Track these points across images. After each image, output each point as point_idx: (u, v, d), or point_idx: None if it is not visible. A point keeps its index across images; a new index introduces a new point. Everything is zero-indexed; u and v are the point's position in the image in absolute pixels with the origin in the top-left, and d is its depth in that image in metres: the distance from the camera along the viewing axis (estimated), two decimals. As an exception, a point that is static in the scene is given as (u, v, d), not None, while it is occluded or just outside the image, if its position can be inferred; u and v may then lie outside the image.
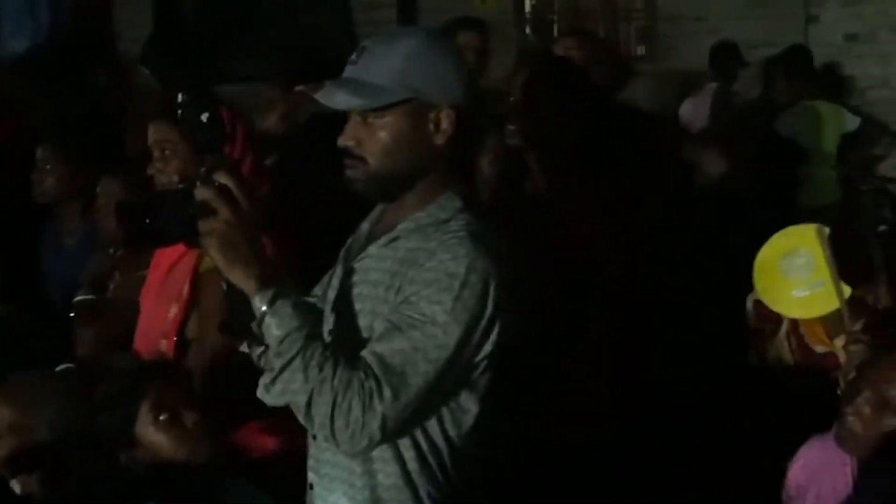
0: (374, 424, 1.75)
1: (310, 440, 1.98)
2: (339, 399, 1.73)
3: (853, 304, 2.63)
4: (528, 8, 8.27)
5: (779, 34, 7.30)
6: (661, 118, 4.96)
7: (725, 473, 2.78)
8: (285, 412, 1.83)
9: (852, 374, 2.07)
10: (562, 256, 2.59)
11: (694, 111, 6.35)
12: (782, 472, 2.32)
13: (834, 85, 7.03)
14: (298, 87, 1.90)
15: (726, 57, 6.71)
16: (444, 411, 1.87)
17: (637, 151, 3.14)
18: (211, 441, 2.14)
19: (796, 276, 2.67)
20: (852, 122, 5.86)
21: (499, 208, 2.88)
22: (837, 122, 5.83)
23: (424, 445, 1.87)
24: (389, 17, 7.51)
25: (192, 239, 1.77)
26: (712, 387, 2.94)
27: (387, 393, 1.74)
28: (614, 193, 2.79)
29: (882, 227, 5.41)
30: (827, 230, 2.58)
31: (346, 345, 1.83)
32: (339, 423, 1.74)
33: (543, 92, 2.80)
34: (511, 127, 2.83)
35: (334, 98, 1.84)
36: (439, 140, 1.87)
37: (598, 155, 2.81)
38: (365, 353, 1.79)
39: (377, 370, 1.76)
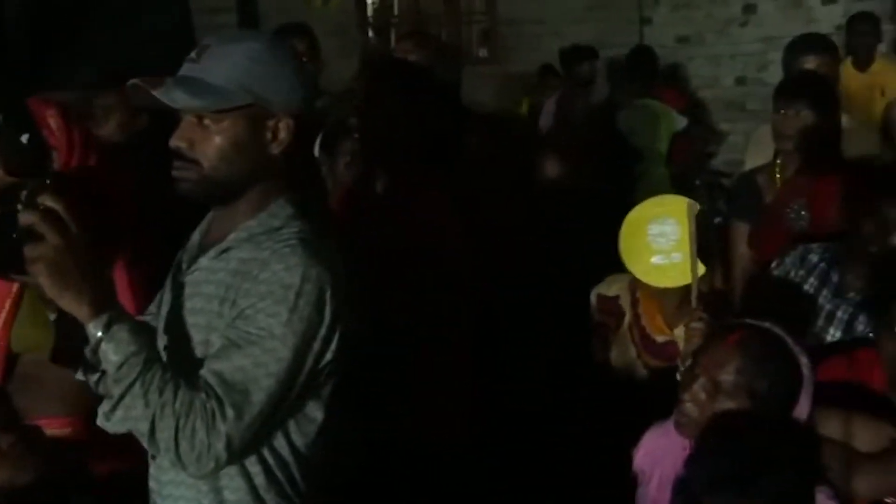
0: (220, 445, 1.70)
1: (150, 461, 1.92)
2: (182, 422, 1.68)
3: (702, 285, 2.72)
4: (370, 11, 8.28)
5: (615, 36, 7.55)
6: (505, 118, 5.04)
7: (578, 465, 2.84)
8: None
9: (688, 362, 2.15)
10: (412, 258, 2.59)
11: (546, 112, 6.49)
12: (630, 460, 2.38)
13: (669, 85, 7.30)
14: (133, 81, 1.81)
15: (574, 59, 6.88)
16: (290, 422, 1.84)
17: (482, 151, 3.18)
18: (34, 461, 2.04)
19: (658, 244, 2.72)
20: (680, 122, 6.10)
21: (352, 211, 2.87)
22: (668, 121, 6.05)
23: (271, 459, 1.84)
24: (230, 21, 7.38)
25: (11, 269, 1.65)
26: (560, 381, 3.00)
27: (230, 412, 1.70)
28: (461, 193, 2.81)
29: (717, 220, 5.65)
30: (697, 207, 2.64)
31: (184, 364, 1.77)
32: (183, 446, 1.69)
33: (385, 94, 2.81)
34: (357, 129, 2.83)
35: (172, 96, 1.76)
36: (275, 149, 1.83)
37: (443, 155, 2.82)
38: (204, 372, 1.74)
39: (218, 390, 1.71)
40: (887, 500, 2.20)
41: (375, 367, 2.41)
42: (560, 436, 2.89)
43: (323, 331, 1.79)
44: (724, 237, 3.63)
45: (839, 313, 2.74)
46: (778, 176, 3.50)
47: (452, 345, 2.66)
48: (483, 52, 8.24)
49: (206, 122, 1.79)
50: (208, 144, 1.80)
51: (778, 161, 3.52)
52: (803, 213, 3.30)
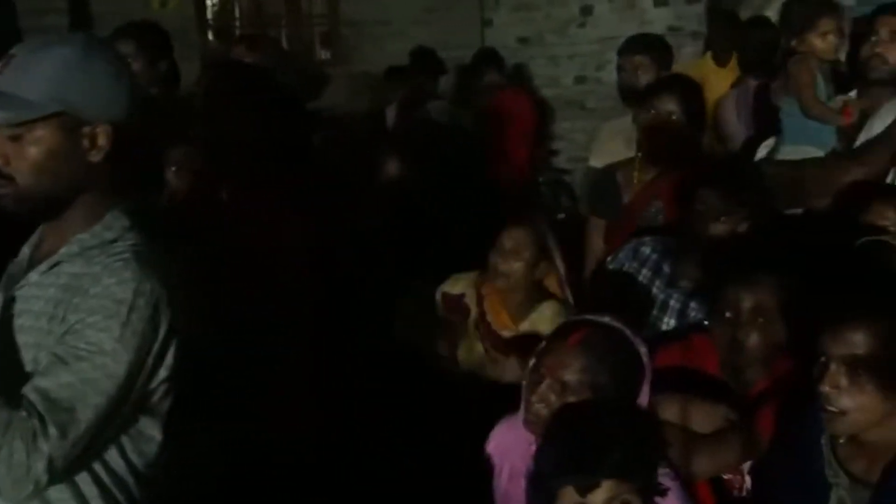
0: (40, 466, 1.62)
1: None
2: None
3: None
4: (210, 14, 8.11)
5: (457, 37, 7.62)
6: (351, 119, 5.03)
7: (430, 461, 2.86)
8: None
9: (532, 362, 2.19)
10: (251, 259, 2.55)
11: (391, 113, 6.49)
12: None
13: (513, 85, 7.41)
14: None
15: (420, 62, 6.91)
16: (125, 441, 1.78)
17: (326, 152, 3.16)
18: None
19: None
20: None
21: (190, 220, 2.80)
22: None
23: (107, 479, 1.76)
24: (60, 23, 7.06)
25: None
26: (408, 377, 3.02)
27: (52, 431, 1.62)
28: (305, 194, 2.78)
29: (561, 215, 5.78)
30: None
31: (12, 385, 1.68)
32: (0, 470, 1.61)
33: (225, 98, 2.76)
34: (197, 134, 2.77)
35: None
36: (95, 157, 1.76)
37: (284, 156, 2.79)
38: (27, 389, 1.66)
39: (41, 407, 1.63)
40: (726, 476, 2.31)
41: (223, 372, 2.37)
42: (411, 432, 2.89)
43: (157, 346, 1.73)
44: (569, 232, 3.70)
45: (672, 302, 2.85)
46: (636, 174, 3.47)
47: (297, 344, 2.63)
48: (326, 54, 8.19)
49: (18, 135, 1.71)
50: (22, 159, 1.72)
51: (638, 159, 3.48)
52: (660, 216, 3.36)
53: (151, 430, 1.80)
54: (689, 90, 3.44)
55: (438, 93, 6.89)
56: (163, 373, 1.76)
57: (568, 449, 1.88)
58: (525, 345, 2.80)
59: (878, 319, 1.84)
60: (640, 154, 3.44)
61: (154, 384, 1.77)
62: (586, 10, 8.02)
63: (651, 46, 4.12)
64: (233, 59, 3.29)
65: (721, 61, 5.58)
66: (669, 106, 3.31)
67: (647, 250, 2.96)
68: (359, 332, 2.95)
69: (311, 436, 2.65)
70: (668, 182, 3.31)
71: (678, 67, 5.68)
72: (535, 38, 8.09)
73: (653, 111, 3.34)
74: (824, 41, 3.36)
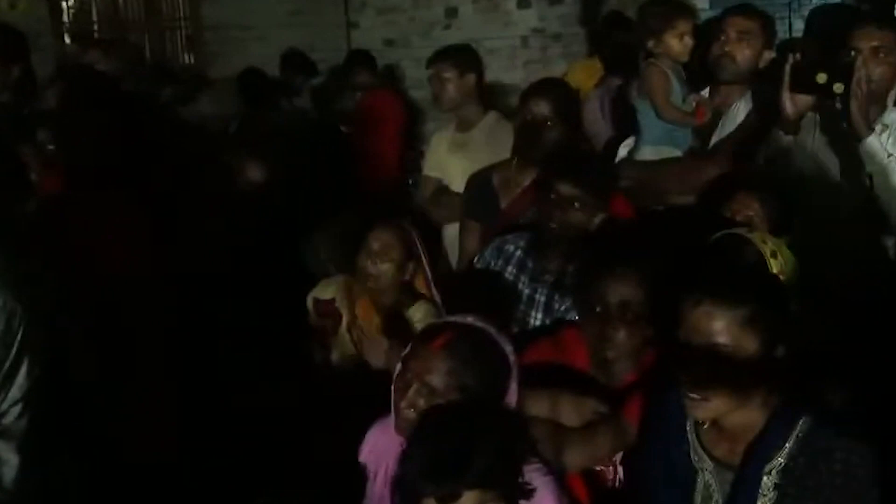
0: None
1: None
2: None
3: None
4: (66, 17, 7.84)
5: (322, 40, 7.58)
6: (209, 125, 4.93)
7: (306, 465, 2.83)
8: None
9: (399, 367, 2.19)
10: (100, 263, 2.48)
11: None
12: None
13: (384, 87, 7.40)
14: None
15: (288, 66, 6.84)
16: None
17: (185, 157, 3.10)
18: None
19: None
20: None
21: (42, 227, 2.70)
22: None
23: None
24: None
25: None
26: (281, 383, 2.98)
27: None
28: (160, 199, 2.72)
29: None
30: None
31: None
32: None
33: (76, 103, 2.68)
34: (47, 139, 2.68)
35: None
36: None
37: (136, 162, 2.72)
38: None
39: None
40: (598, 468, 2.36)
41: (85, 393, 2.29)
42: (284, 438, 2.86)
43: (7, 365, 1.66)
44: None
45: (537, 296, 2.90)
46: (513, 177, 3.49)
47: (153, 362, 2.57)
48: (189, 59, 8.02)
49: None
50: None
51: (514, 164, 3.51)
52: None
53: (5, 452, 1.73)
54: (562, 92, 3.51)
55: (308, 94, 6.84)
56: (15, 392, 1.69)
57: (430, 458, 1.88)
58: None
59: (736, 307, 1.90)
60: (515, 157, 3.47)
61: (5, 405, 1.69)
62: (451, 13, 8.08)
63: (458, 55, 4.15)
64: (85, 65, 3.19)
65: None
66: (543, 109, 3.36)
67: (511, 247, 3.01)
68: (223, 337, 2.89)
69: (176, 445, 2.60)
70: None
71: (571, 68, 5.83)
72: (401, 41, 8.10)
73: (528, 115, 3.38)
74: (681, 42, 3.46)
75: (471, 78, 4.04)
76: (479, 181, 3.62)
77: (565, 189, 2.84)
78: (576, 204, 2.83)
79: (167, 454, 2.58)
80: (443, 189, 4.09)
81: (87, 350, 2.29)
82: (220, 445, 2.80)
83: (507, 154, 3.59)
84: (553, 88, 3.52)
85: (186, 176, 2.96)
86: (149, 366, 2.56)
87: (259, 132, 5.30)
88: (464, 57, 4.13)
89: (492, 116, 4.08)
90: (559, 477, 2.17)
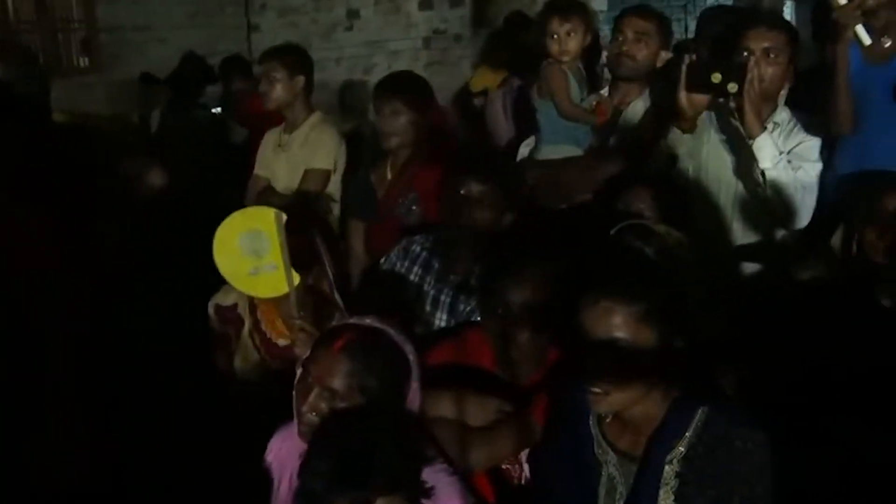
0: None
1: None
2: None
3: (306, 292, 2.76)
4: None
5: (222, 43, 7.47)
6: (106, 128, 4.82)
7: (212, 473, 2.78)
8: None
9: (300, 371, 2.16)
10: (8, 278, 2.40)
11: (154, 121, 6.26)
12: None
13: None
14: None
15: (188, 70, 6.70)
16: None
17: (80, 162, 3.01)
18: None
19: (251, 256, 2.69)
20: None
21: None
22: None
23: None
24: None
25: None
26: (184, 390, 2.92)
27: None
28: (53, 205, 2.64)
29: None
30: (284, 216, 2.64)
31: None
32: None
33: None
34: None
35: None
36: None
37: (27, 166, 2.64)
38: None
39: None
40: (504, 466, 2.37)
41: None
42: (188, 446, 2.80)
43: None
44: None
45: (443, 297, 2.91)
46: (388, 171, 3.64)
47: (62, 381, 2.50)
48: (84, 61, 7.81)
49: None
50: None
51: (389, 159, 3.65)
52: (414, 207, 3.46)
53: None
54: (413, 85, 3.67)
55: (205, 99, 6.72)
56: None
57: (335, 467, 1.86)
58: None
59: (632, 302, 1.92)
60: (388, 154, 3.62)
61: None
62: (353, 14, 8.05)
63: (289, 56, 4.21)
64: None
65: None
66: (395, 104, 3.52)
67: (417, 248, 3.01)
68: (125, 341, 2.83)
69: (83, 456, 2.53)
70: (417, 171, 3.47)
71: (478, 69, 5.87)
72: (303, 43, 7.98)
73: (381, 112, 3.55)
74: (555, 42, 3.47)
75: (300, 80, 4.12)
76: (358, 181, 3.75)
77: (474, 187, 2.86)
78: (484, 202, 2.85)
79: (79, 476, 2.50)
80: (268, 189, 4.13)
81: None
82: (129, 460, 2.73)
83: (327, 156, 3.96)
84: (401, 83, 3.69)
85: (84, 181, 2.88)
86: (58, 377, 2.48)
87: (168, 136, 5.22)
88: (295, 58, 4.19)
89: (315, 118, 4.17)
90: (465, 476, 2.18)
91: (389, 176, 3.63)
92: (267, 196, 4.04)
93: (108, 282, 2.78)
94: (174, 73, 6.44)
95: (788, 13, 7.90)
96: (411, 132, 3.55)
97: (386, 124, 3.56)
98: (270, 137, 4.26)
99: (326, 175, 4.03)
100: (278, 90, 4.09)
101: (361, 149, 4.40)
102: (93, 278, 2.70)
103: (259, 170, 4.23)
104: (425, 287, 2.93)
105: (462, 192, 2.87)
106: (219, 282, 2.93)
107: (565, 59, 3.47)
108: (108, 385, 2.76)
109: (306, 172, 4.02)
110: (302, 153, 4.06)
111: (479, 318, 2.67)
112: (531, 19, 5.41)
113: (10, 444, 2.40)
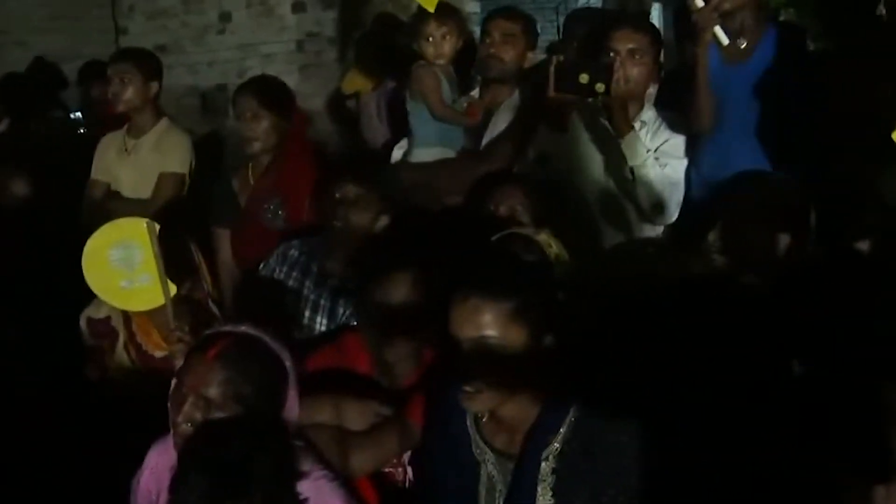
0: None
1: None
2: None
3: (182, 302, 2.71)
4: None
5: (88, 46, 7.25)
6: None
7: (87, 488, 2.70)
8: None
9: (174, 382, 2.12)
10: None
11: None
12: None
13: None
14: None
15: (39, 74, 6.49)
16: None
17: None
18: None
19: (122, 268, 2.64)
20: None
21: None
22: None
23: None
24: None
25: None
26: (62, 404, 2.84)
27: None
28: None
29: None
30: (157, 227, 2.60)
31: None
32: None
33: None
34: None
35: None
36: None
37: None
38: None
39: None
40: (386, 469, 2.37)
41: None
42: (61, 460, 2.72)
43: None
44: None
45: (322, 301, 2.90)
46: (251, 175, 3.59)
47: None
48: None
49: None
50: None
51: (251, 164, 3.60)
52: (280, 212, 3.43)
53: None
54: (273, 89, 3.65)
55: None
56: None
57: (211, 479, 1.83)
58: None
59: (501, 300, 1.94)
60: (251, 159, 3.58)
61: None
62: (225, 17, 7.91)
63: (144, 61, 4.17)
64: None
65: None
66: (251, 103, 3.51)
67: (295, 252, 3.00)
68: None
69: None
70: (280, 180, 3.45)
71: (350, 72, 5.83)
72: (173, 46, 7.85)
73: (245, 114, 3.52)
74: (428, 44, 3.51)
75: (154, 86, 4.09)
76: (219, 189, 3.70)
77: (350, 189, 2.86)
78: (360, 204, 2.86)
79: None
80: (113, 194, 4.07)
81: None
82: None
83: (181, 160, 3.97)
84: (257, 84, 3.71)
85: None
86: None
87: (25, 144, 5.04)
88: (151, 64, 4.15)
89: (163, 124, 4.12)
90: (347, 481, 2.18)
91: (252, 181, 3.58)
92: (112, 202, 3.97)
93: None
94: (22, 79, 6.26)
95: (656, 16, 8.10)
96: (273, 136, 3.51)
97: (247, 129, 3.51)
98: (112, 142, 4.15)
99: (182, 179, 4.00)
100: (130, 93, 4.02)
101: (223, 154, 4.36)
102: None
103: (98, 175, 4.12)
104: (305, 291, 2.92)
105: (338, 195, 2.87)
106: (89, 294, 2.87)
107: (440, 61, 3.50)
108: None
109: (161, 177, 3.96)
110: (153, 157, 4.00)
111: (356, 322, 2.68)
112: (402, 21, 5.42)
113: None
